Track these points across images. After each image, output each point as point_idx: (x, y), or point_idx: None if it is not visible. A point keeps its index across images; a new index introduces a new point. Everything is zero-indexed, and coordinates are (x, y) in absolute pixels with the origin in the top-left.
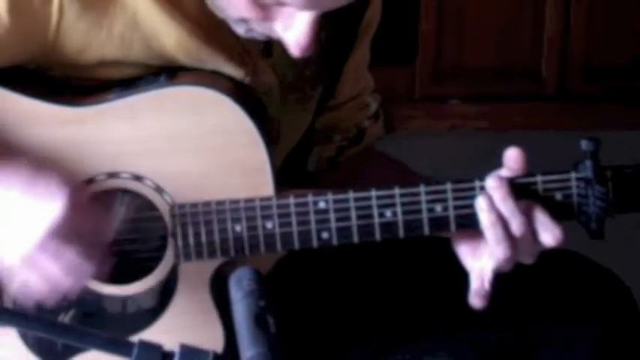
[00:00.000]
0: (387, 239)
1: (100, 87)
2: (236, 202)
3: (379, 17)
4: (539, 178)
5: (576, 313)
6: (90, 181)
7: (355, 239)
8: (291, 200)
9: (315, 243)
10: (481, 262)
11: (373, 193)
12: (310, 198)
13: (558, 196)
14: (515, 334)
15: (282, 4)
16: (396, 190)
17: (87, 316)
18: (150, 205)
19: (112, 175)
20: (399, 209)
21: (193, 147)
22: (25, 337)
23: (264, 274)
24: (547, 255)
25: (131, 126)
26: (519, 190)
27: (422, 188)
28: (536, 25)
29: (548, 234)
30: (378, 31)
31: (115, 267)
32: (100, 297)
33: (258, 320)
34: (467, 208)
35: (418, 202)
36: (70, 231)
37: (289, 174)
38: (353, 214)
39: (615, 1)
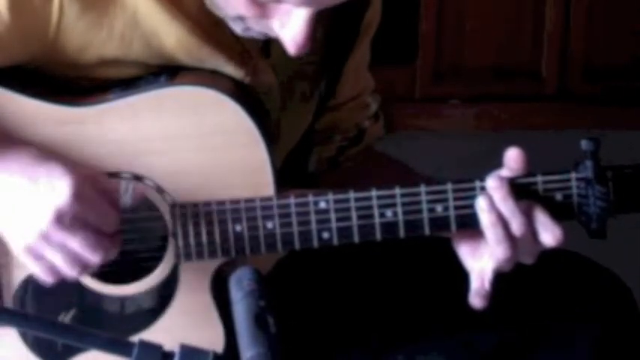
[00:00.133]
0: (388, 239)
1: (100, 87)
2: (237, 202)
3: (379, 17)
4: (539, 178)
5: (576, 313)
6: None
7: (356, 239)
8: (292, 200)
9: (315, 243)
10: (481, 262)
11: (374, 193)
12: (311, 198)
13: (558, 196)
14: (515, 334)
15: (279, 2)
16: (397, 190)
17: (87, 316)
18: (150, 205)
19: (113, 175)
20: (399, 209)
21: (194, 147)
22: (25, 337)
23: (265, 274)
24: (547, 255)
25: (132, 126)
26: (519, 190)
27: (422, 188)
28: (536, 25)
29: (549, 234)
30: (378, 31)
31: (116, 267)
32: (100, 297)
33: (259, 320)
34: (467, 208)
35: (419, 202)
36: (76, 217)
37: (290, 174)
38: (353, 214)
39: (615, 1)
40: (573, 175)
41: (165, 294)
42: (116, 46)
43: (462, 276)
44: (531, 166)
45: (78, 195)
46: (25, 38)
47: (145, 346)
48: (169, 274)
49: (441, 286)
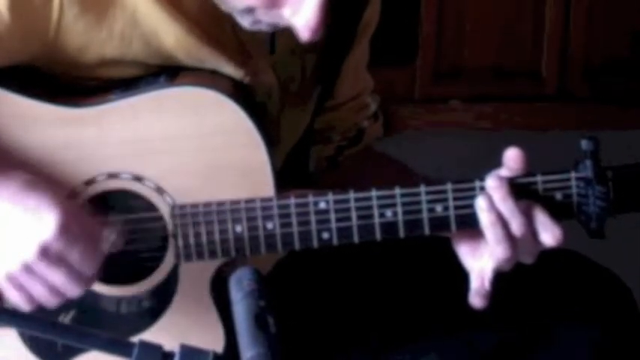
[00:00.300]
0: (388, 239)
1: (100, 87)
2: (237, 202)
3: (378, 17)
4: (539, 178)
5: (576, 313)
6: (90, 181)
7: (356, 239)
8: (292, 200)
9: (315, 243)
10: (481, 262)
11: (374, 193)
12: (311, 198)
13: (558, 195)
14: (515, 334)
15: None
16: (397, 190)
17: (87, 317)
18: (150, 206)
19: (113, 175)
20: (399, 209)
21: (194, 147)
22: (25, 338)
23: (265, 274)
24: (547, 255)
25: (131, 126)
26: (519, 190)
27: (422, 188)
28: (536, 25)
29: (548, 234)
30: (378, 32)
31: (116, 267)
32: (100, 297)
33: (259, 320)
34: (467, 208)
35: (418, 202)
36: (61, 251)
37: (290, 174)
38: (353, 214)
39: (615, 2)
40: (573, 174)
41: (165, 294)
42: (116, 46)
43: (461, 276)
44: (531, 167)
45: (64, 231)
46: (26, 38)
47: (145, 346)
48: (169, 274)
49: (441, 286)
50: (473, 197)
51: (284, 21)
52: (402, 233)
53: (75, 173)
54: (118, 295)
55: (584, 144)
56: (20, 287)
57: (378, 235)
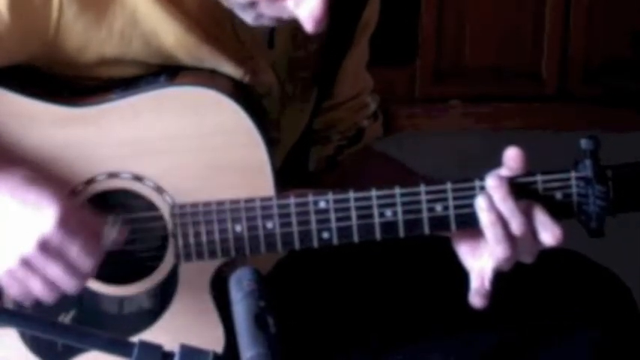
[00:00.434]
0: (388, 239)
1: (100, 87)
2: (236, 202)
3: (377, 17)
4: (539, 178)
5: (576, 313)
6: (90, 181)
7: (355, 239)
8: (292, 200)
9: (315, 243)
10: (481, 261)
11: (373, 192)
12: (311, 198)
13: (558, 195)
14: (515, 334)
15: None
16: (397, 190)
17: (87, 317)
18: (150, 205)
19: (113, 175)
20: (399, 209)
21: (194, 147)
22: (25, 338)
23: (265, 274)
24: (547, 255)
25: (131, 126)
26: (519, 189)
27: (422, 188)
28: (536, 25)
29: (548, 233)
30: (378, 32)
31: (116, 267)
32: (100, 297)
33: (258, 321)
34: (467, 207)
35: (418, 202)
36: (60, 245)
37: (290, 174)
38: (353, 213)
39: (615, 2)
40: (573, 174)
41: (165, 294)
42: (115, 45)
43: (461, 276)
44: (531, 167)
45: (63, 224)
46: (25, 37)
47: (145, 346)
48: (169, 274)
49: (441, 285)
50: (473, 197)
51: (287, 13)
52: (401, 233)
53: (75, 173)
54: (118, 294)
55: (584, 143)
56: (19, 280)
57: (378, 235)
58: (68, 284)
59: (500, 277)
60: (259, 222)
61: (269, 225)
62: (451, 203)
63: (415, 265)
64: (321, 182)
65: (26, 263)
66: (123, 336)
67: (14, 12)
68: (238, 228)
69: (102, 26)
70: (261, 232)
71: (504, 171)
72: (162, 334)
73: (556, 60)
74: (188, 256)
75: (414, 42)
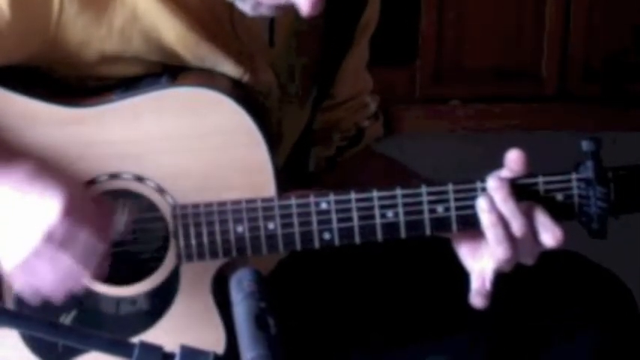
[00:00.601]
0: (389, 240)
1: (101, 88)
2: (238, 202)
3: (377, 17)
4: (540, 179)
5: (576, 313)
6: (92, 181)
7: (357, 240)
8: (293, 201)
9: (316, 243)
10: (481, 262)
11: (375, 193)
12: (312, 199)
13: (559, 196)
14: (515, 335)
15: None
16: (398, 191)
17: (88, 318)
18: (151, 206)
19: (114, 175)
20: (400, 210)
21: (195, 147)
22: (26, 339)
23: (266, 274)
24: (547, 255)
25: (133, 127)
26: (520, 190)
27: (423, 189)
28: (536, 25)
29: (549, 234)
30: (379, 32)
31: (117, 268)
32: (101, 298)
33: (259, 321)
34: (468, 208)
35: (420, 203)
36: (67, 235)
37: (290, 174)
38: (354, 214)
39: (615, 2)
40: (574, 175)
41: (166, 295)
42: (116, 42)
43: (461, 276)
44: (532, 167)
45: (69, 213)
46: (26, 35)
47: (146, 347)
48: (170, 274)
49: (442, 286)
50: (474, 198)
51: (285, 0)
52: (403, 234)
53: (76, 174)
54: (119, 295)
55: (585, 145)
56: (30, 274)
57: (380, 236)
58: (78, 275)
59: (501, 278)
60: (261, 222)
61: (270, 226)
62: (452, 204)
63: (415, 266)
64: (321, 183)
65: (36, 254)
66: (123, 337)
67: (15, 9)
68: (240, 228)
69: (102, 23)
70: (262, 233)
71: (505, 172)
72: (163, 334)
73: (556, 60)
74: (189, 257)
75: (414, 42)
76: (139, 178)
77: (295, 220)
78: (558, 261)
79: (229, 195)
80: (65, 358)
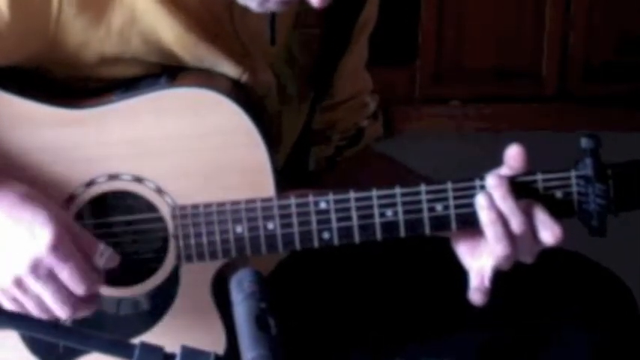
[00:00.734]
0: (388, 239)
1: (100, 89)
2: (237, 203)
3: (375, 17)
4: (539, 177)
5: (576, 312)
6: (90, 182)
7: (356, 239)
8: (292, 201)
9: (316, 243)
10: (481, 260)
11: (374, 192)
12: (311, 198)
13: (559, 194)
14: (514, 334)
15: None
16: (397, 190)
17: (88, 318)
18: (151, 207)
19: (113, 176)
20: (399, 209)
21: (194, 148)
22: (26, 340)
23: (266, 274)
24: (547, 255)
25: (132, 128)
26: (520, 188)
27: (422, 188)
28: (536, 25)
29: (548, 232)
30: (379, 32)
31: (117, 269)
32: (101, 299)
33: (259, 322)
34: (467, 207)
35: (419, 202)
36: (51, 268)
37: (290, 174)
38: (354, 214)
39: (615, 2)
40: (573, 172)
41: (166, 295)
42: (115, 43)
43: (461, 276)
44: (531, 167)
45: (57, 247)
46: (26, 36)
47: (146, 347)
48: (170, 275)
49: (441, 286)
50: (473, 196)
51: None
52: (402, 233)
53: (75, 175)
54: (119, 296)
55: (584, 142)
56: (13, 300)
57: (379, 235)
58: (59, 308)
59: (501, 278)
60: (260, 223)
61: (270, 226)
62: (452, 203)
63: (415, 265)
64: (321, 182)
65: (19, 283)
66: (124, 337)
67: (14, 10)
68: (239, 229)
69: (101, 25)
70: (262, 233)
71: (505, 170)
72: (163, 335)
73: (556, 60)
74: (189, 257)
75: (414, 42)
76: (138, 179)
77: (294, 220)
78: (558, 260)
79: (228, 195)
80: (65, 359)
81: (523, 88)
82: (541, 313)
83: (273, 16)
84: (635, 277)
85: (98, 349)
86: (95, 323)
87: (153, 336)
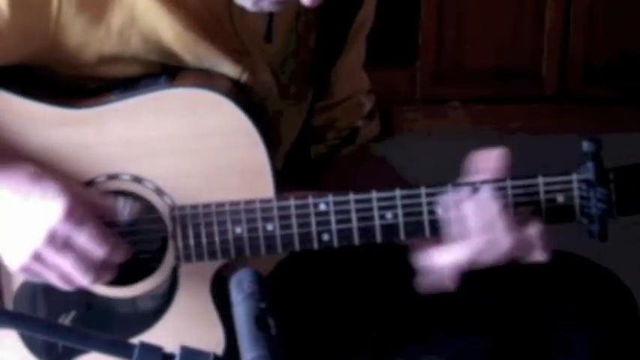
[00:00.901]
0: (388, 241)
1: (100, 89)
2: (236, 203)
3: (373, 17)
4: (540, 180)
5: (576, 313)
6: (90, 182)
7: (356, 241)
8: (292, 202)
9: (315, 245)
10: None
11: (374, 195)
12: (311, 200)
13: (560, 198)
14: (515, 335)
15: None
16: (397, 192)
17: (87, 318)
18: (150, 207)
19: (112, 176)
20: (399, 211)
21: (193, 148)
22: (25, 339)
23: (265, 274)
24: None
25: (131, 128)
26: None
27: (422, 190)
28: (536, 26)
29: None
30: (379, 32)
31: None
32: (100, 299)
33: (259, 322)
34: None
35: (419, 204)
36: (68, 236)
37: (291, 173)
38: (353, 216)
39: (615, 2)
40: (574, 176)
41: (165, 296)
42: (114, 43)
43: (462, 277)
44: (531, 168)
45: (70, 215)
46: (26, 35)
47: (146, 347)
48: (169, 275)
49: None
50: None
51: None
52: (402, 235)
53: (74, 175)
54: (118, 296)
55: (586, 145)
56: (35, 275)
57: (379, 237)
58: (81, 276)
59: (500, 278)
60: (259, 224)
61: (269, 227)
62: None
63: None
64: (320, 180)
65: (38, 257)
66: (123, 337)
67: (14, 9)
68: (238, 230)
69: (100, 24)
70: (261, 234)
71: (478, 176)
72: (162, 335)
73: (556, 60)
74: (188, 258)
75: (414, 43)
76: (138, 179)
77: (294, 222)
78: (557, 261)
79: (228, 196)
80: (65, 359)
81: (523, 88)
82: (541, 314)
83: (270, 16)
84: (635, 278)
85: (97, 349)
86: (95, 323)
87: (152, 336)
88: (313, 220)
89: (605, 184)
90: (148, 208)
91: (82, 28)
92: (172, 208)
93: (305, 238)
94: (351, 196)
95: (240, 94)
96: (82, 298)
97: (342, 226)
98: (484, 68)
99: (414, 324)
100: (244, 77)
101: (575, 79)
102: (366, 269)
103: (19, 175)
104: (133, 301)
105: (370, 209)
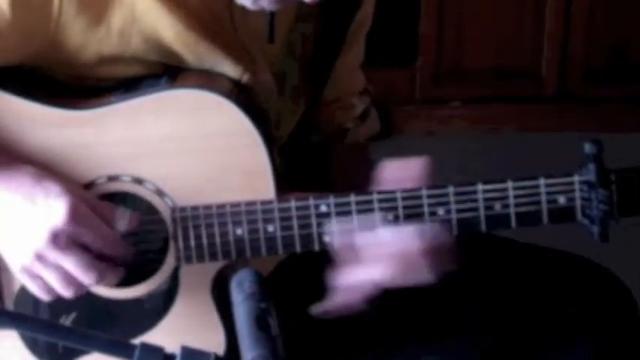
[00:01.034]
0: None
1: (100, 89)
2: (237, 205)
3: (371, 17)
4: (542, 182)
5: (576, 313)
6: (90, 184)
7: None
8: (293, 203)
9: (316, 246)
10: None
11: (374, 196)
12: (311, 201)
13: (562, 199)
14: (515, 336)
15: None
16: (398, 193)
17: (88, 319)
18: (151, 208)
19: (113, 178)
20: (401, 212)
21: (194, 149)
22: (26, 339)
23: (266, 275)
24: (547, 255)
25: (132, 129)
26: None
27: (424, 191)
28: (536, 26)
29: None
30: (379, 32)
31: None
32: (101, 299)
33: (260, 322)
34: (468, 211)
35: (420, 206)
36: (71, 238)
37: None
38: (354, 217)
39: (615, 2)
40: (576, 178)
41: (166, 296)
42: (115, 43)
43: (461, 279)
44: (531, 168)
45: (74, 215)
46: (26, 35)
47: (147, 348)
48: (170, 276)
49: (440, 288)
50: (474, 201)
51: None
52: None
53: (74, 176)
54: (119, 297)
55: (588, 147)
56: (36, 277)
57: None
58: (84, 275)
59: (501, 279)
60: (260, 225)
61: (270, 228)
62: (453, 207)
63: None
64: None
65: (40, 258)
66: (124, 338)
67: (15, 9)
68: (239, 231)
69: (101, 25)
70: (262, 236)
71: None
72: (163, 336)
73: (556, 60)
74: (189, 259)
75: (414, 43)
76: (138, 181)
77: (295, 223)
78: (557, 261)
79: (228, 197)
80: (65, 359)
81: (523, 88)
82: (541, 314)
83: (272, 15)
84: (635, 278)
85: (98, 350)
86: (95, 324)
87: (153, 336)
88: (314, 221)
89: (607, 186)
90: (148, 209)
91: (82, 28)
92: (173, 210)
93: (306, 239)
94: (352, 198)
95: (241, 94)
96: (83, 298)
97: None
98: (484, 68)
99: (414, 325)
100: (245, 78)
101: (575, 79)
102: None
103: (19, 175)
104: (133, 301)
105: (371, 210)
